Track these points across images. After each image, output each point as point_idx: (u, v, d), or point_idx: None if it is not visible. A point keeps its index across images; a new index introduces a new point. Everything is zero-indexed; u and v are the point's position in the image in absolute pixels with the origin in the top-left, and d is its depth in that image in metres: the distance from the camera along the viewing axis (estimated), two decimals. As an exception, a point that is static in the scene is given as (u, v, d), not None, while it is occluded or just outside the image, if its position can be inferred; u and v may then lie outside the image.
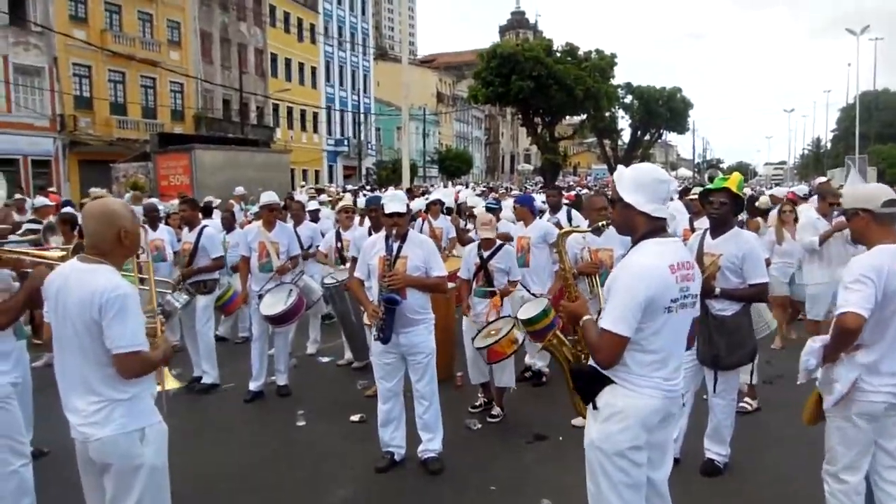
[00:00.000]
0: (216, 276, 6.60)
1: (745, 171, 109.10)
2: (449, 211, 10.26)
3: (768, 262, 6.31)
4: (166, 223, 8.83)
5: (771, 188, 23.58)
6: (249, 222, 8.78)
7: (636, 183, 2.55)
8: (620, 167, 2.76)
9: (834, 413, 3.05)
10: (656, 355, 2.50)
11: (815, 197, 11.35)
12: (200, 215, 7.14)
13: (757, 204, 10.01)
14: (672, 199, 10.31)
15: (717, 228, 4.06)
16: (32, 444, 4.64)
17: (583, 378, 2.65)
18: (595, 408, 2.57)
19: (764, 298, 4.36)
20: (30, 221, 9.09)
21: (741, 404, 5.48)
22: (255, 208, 9.68)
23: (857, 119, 44.36)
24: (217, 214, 9.58)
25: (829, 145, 73.90)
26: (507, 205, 9.13)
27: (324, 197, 15.23)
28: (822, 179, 13.76)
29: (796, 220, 7.44)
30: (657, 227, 2.56)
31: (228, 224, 8.48)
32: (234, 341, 8.17)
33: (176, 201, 11.00)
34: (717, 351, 4.01)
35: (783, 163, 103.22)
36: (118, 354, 2.49)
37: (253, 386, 6.09)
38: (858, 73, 74.52)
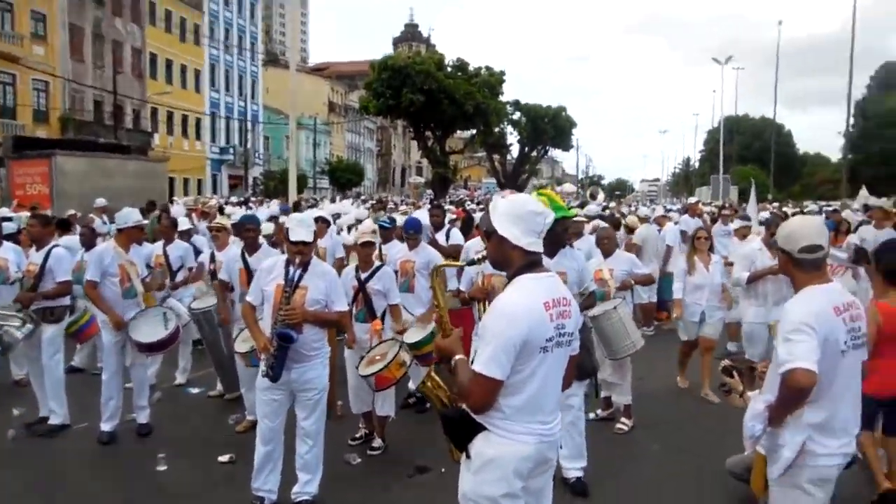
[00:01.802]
0: (66, 301, 5.92)
1: (624, 187, 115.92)
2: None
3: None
4: (16, 240, 7.91)
5: (647, 205, 25.04)
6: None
7: (511, 215, 2.42)
8: (495, 197, 2.65)
9: (782, 482, 2.73)
10: (530, 398, 2.36)
11: (685, 216, 12.11)
12: (56, 232, 6.42)
13: (625, 222, 10.47)
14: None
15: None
16: None
17: (453, 424, 2.47)
18: (468, 457, 2.42)
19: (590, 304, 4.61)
20: None
21: (618, 425, 5.62)
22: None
23: (721, 141, 48.14)
24: (78, 229, 8.70)
25: (697, 165, 79.82)
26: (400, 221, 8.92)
27: (186, 201, 14.24)
28: (693, 200, 14.64)
29: (711, 249, 6.75)
30: (533, 262, 2.44)
31: (88, 241, 7.67)
32: (90, 372, 7.40)
33: (26, 213, 9.97)
34: None
35: (657, 180, 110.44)
36: None
37: (107, 426, 5.47)
38: (723, 99, 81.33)
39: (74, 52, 33.81)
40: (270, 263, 4.25)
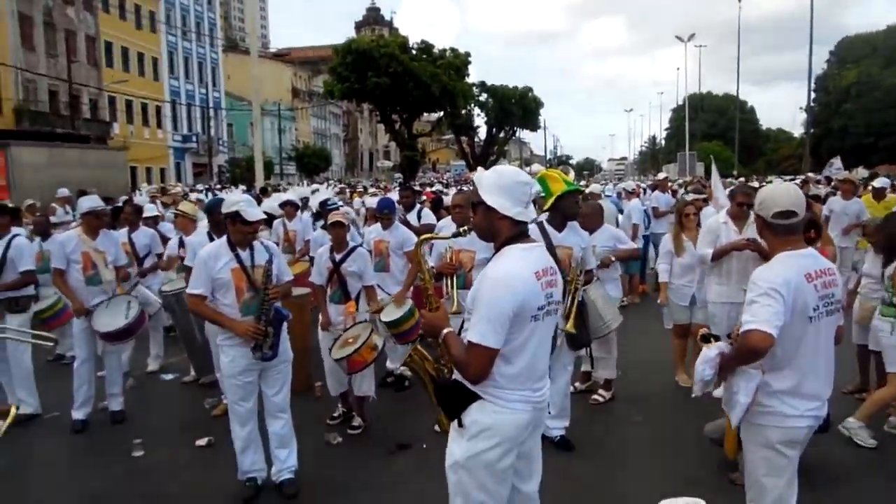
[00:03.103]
0: (31, 291, 5.76)
1: (592, 166, 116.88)
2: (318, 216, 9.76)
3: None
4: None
5: (614, 184, 25.27)
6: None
7: (498, 186, 2.42)
8: (480, 169, 2.64)
9: (754, 443, 2.79)
10: (523, 366, 2.39)
11: (655, 193, 12.23)
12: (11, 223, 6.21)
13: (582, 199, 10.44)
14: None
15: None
16: None
17: (448, 394, 2.49)
18: (461, 425, 2.42)
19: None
20: None
21: (594, 396, 5.70)
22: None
23: (687, 118, 48.74)
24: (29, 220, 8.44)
25: (663, 142, 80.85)
26: (371, 202, 8.85)
27: (150, 189, 14.00)
28: (662, 175, 14.76)
29: (699, 225, 5.95)
30: (520, 232, 2.45)
31: (43, 230, 7.43)
32: (61, 363, 7.22)
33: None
34: None
35: (624, 159, 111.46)
36: None
37: (79, 414, 5.37)
38: (687, 77, 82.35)
39: (25, 40, 32.65)
40: (212, 251, 4.02)
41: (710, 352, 2.83)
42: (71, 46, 34.68)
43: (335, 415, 5.37)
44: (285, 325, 4.15)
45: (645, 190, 15.68)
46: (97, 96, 37.83)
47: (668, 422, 5.28)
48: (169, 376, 6.77)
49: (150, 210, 7.89)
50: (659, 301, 6.23)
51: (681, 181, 22.49)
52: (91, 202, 5.68)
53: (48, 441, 5.24)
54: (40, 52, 33.62)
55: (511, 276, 2.34)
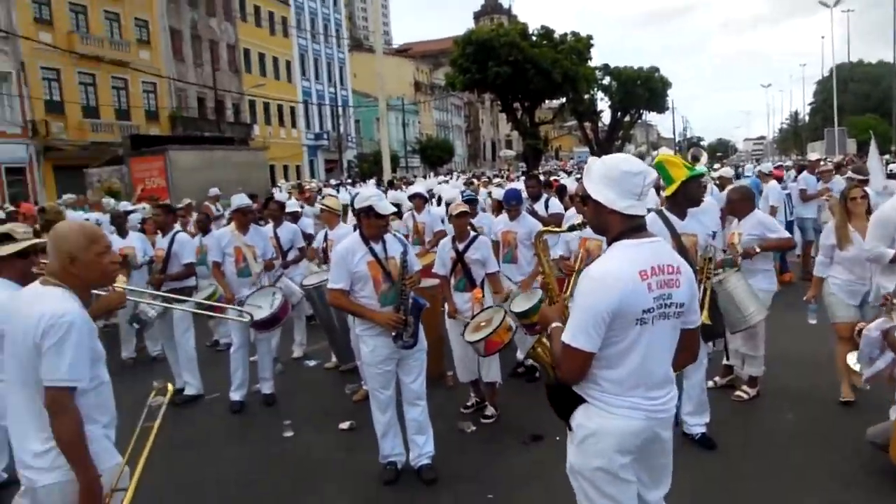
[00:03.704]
0: (192, 282, 6.36)
1: (726, 147, 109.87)
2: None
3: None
4: (140, 229, 8.56)
5: (753, 165, 23.60)
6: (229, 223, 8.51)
7: (605, 178, 2.27)
8: (590, 159, 2.52)
9: None
10: (630, 373, 2.24)
11: (799, 174, 11.28)
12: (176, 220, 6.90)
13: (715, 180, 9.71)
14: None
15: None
16: (7, 471, 4.44)
17: (555, 395, 2.41)
18: (570, 429, 2.37)
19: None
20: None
21: (738, 392, 5.39)
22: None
23: (835, 91, 44.49)
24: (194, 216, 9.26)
25: (806, 118, 74.45)
26: (497, 193, 8.88)
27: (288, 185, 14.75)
28: (814, 156, 13.34)
29: (869, 211, 5.02)
30: (634, 226, 2.27)
31: (203, 227, 8.17)
32: (215, 349, 7.91)
33: (143, 205, 10.70)
34: None
35: (762, 138, 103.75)
36: (48, 388, 2.25)
37: (236, 396, 5.88)
38: (833, 46, 75.11)
39: (176, 53, 35.79)
40: (348, 246, 4.19)
41: (871, 333, 2.62)
42: (215, 55, 37.64)
43: (468, 403, 5.48)
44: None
45: (789, 171, 14.55)
46: (238, 100, 40.74)
47: (822, 422, 4.86)
48: (312, 362, 7.20)
49: (291, 206, 8.41)
50: (806, 298, 5.47)
51: (831, 161, 20.61)
52: (240, 200, 6.16)
53: (210, 420, 5.77)
54: (189, 62, 36.71)
55: (608, 276, 2.19)
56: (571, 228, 2.80)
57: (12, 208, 11.14)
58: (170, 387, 2.92)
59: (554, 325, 2.40)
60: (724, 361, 5.57)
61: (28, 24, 27.02)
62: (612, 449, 2.26)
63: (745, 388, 5.40)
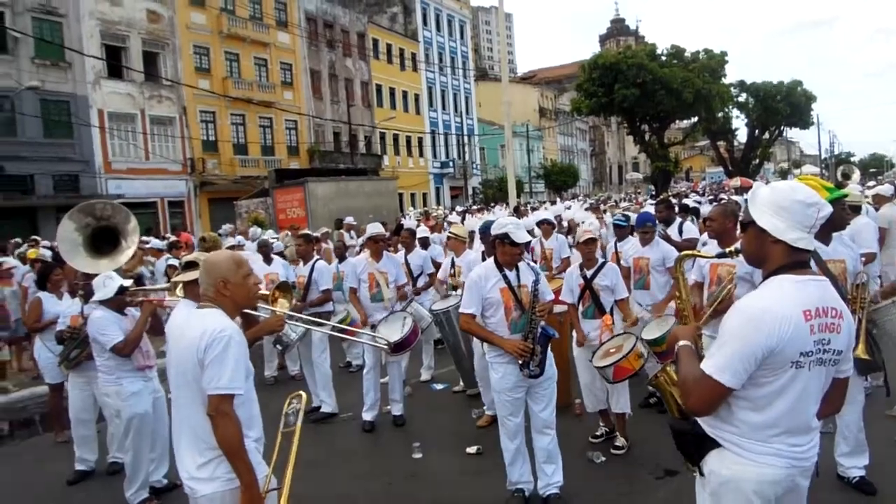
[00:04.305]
0: (329, 307, 6.74)
1: (881, 163, 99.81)
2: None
3: None
4: (282, 255, 9.21)
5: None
6: (360, 252, 8.94)
7: (774, 205, 2.10)
8: (756, 184, 2.39)
9: None
10: (776, 418, 2.07)
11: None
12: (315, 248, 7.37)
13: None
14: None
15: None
16: (168, 477, 4.90)
17: (684, 437, 2.24)
18: (702, 474, 2.21)
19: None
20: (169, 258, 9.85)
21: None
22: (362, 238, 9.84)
23: None
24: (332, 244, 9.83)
25: (983, 128, 66.06)
26: (607, 220, 8.67)
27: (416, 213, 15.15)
28: None
29: None
30: (797, 261, 2.10)
31: (340, 254, 8.65)
32: (348, 370, 8.29)
33: (283, 233, 11.47)
34: None
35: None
36: (211, 395, 2.47)
37: (368, 416, 6.12)
38: None
39: (315, 92, 38.39)
40: (482, 272, 4.24)
41: None
42: (349, 92, 39.93)
43: (598, 433, 5.35)
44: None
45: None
46: (370, 133, 42.83)
47: None
48: (439, 386, 7.35)
49: (420, 232, 8.71)
50: None
51: None
52: (374, 228, 6.48)
53: (345, 438, 6.03)
54: (326, 100, 39.21)
55: (768, 312, 2.01)
56: (721, 255, 2.63)
57: (173, 238, 12.37)
58: (303, 395, 3.13)
59: (682, 342, 2.26)
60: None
61: (190, 72, 30.17)
62: (750, 498, 2.09)
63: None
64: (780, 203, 2.10)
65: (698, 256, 3.25)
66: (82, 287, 5.34)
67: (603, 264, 5.23)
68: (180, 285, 3.84)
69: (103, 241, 4.94)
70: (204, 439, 2.51)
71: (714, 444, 2.14)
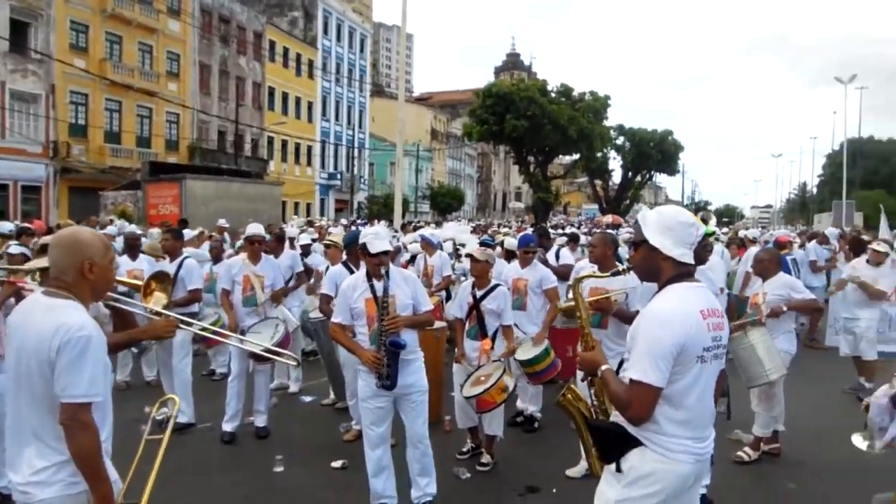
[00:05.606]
0: (195, 308, 6.34)
1: (733, 213, 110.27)
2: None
3: None
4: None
5: (760, 231, 23.60)
6: (236, 253, 8.52)
7: (661, 226, 2.40)
8: (644, 209, 2.63)
9: None
10: (689, 412, 2.31)
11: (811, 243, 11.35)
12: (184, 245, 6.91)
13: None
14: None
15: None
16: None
17: (607, 437, 2.41)
18: (619, 470, 2.35)
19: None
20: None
21: (739, 452, 5.28)
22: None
23: (845, 165, 44.81)
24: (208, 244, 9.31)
25: (814, 190, 74.77)
26: (509, 242, 8.91)
27: (299, 221, 14.98)
28: (832, 229, 13.67)
29: None
30: (684, 273, 2.40)
31: (216, 255, 8.22)
32: (211, 378, 7.83)
33: (154, 230, 10.78)
34: None
35: (769, 206, 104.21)
36: (66, 404, 2.18)
37: (228, 427, 5.78)
38: (846, 120, 76.39)
39: (203, 86, 36.63)
40: (351, 282, 4.29)
41: (880, 400, 2.71)
42: (240, 91, 38.47)
43: (464, 449, 5.37)
44: (421, 356, 4.25)
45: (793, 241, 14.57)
46: (258, 136, 41.43)
47: (823, 492, 4.76)
48: (308, 398, 7.10)
49: (304, 239, 8.46)
50: None
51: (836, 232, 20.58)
52: (254, 229, 6.18)
53: (201, 449, 5.65)
54: (214, 96, 37.53)
55: (674, 313, 2.28)
56: (615, 273, 2.83)
57: (25, 224, 11.22)
58: (176, 399, 2.89)
59: (604, 367, 2.43)
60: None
61: (64, 48, 27.80)
62: (664, 492, 2.29)
63: (747, 449, 5.31)
64: (666, 224, 2.41)
65: (592, 277, 3.47)
66: None
67: (494, 287, 5.27)
68: (37, 273, 3.43)
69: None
70: (50, 445, 2.22)
71: (637, 443, 2.32)
